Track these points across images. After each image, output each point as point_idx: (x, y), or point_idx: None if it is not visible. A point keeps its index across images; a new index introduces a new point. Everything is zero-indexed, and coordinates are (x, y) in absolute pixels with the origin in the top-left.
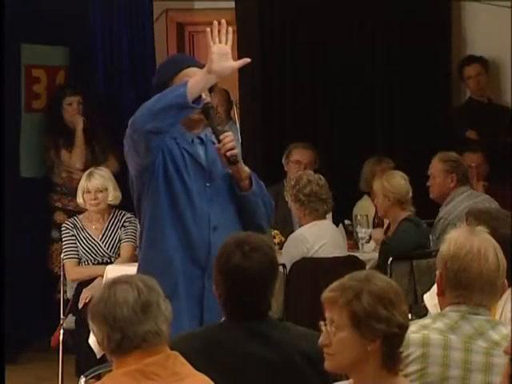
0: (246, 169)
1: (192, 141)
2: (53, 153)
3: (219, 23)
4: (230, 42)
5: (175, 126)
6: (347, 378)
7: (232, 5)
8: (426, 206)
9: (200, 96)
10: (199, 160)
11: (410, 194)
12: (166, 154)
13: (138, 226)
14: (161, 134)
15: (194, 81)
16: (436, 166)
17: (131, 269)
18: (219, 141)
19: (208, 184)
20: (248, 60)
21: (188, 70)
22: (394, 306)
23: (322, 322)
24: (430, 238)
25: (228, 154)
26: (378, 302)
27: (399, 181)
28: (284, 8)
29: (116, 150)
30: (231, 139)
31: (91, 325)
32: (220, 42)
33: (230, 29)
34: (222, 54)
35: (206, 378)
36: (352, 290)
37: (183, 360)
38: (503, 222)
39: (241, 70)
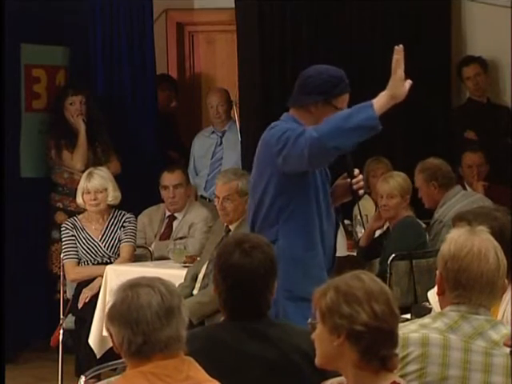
0: None
1: None
2: (54, 153)
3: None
4: (403, 67)
5: None
6: None
7: (232, 4)
8: (424, 207)
9: None
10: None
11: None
12: None
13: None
14: (342, 151)
15: (380, 105)
16: (417, 178)
17: (131, 269)
18: (350, 175)
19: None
20: (411, 82)
21: (347, 95)
22: (360, 303)
23: (309, 320)
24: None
25: (360, 191)
26: (341, 299)
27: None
28: (284, 8)
29: (118, 151)
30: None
31: (109, 326)
32: (400, 67)
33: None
34: (401, 80)
35: None
36: (325, 288)
37: (198, 366)
38: (486, 216)
39: (240, 69)
